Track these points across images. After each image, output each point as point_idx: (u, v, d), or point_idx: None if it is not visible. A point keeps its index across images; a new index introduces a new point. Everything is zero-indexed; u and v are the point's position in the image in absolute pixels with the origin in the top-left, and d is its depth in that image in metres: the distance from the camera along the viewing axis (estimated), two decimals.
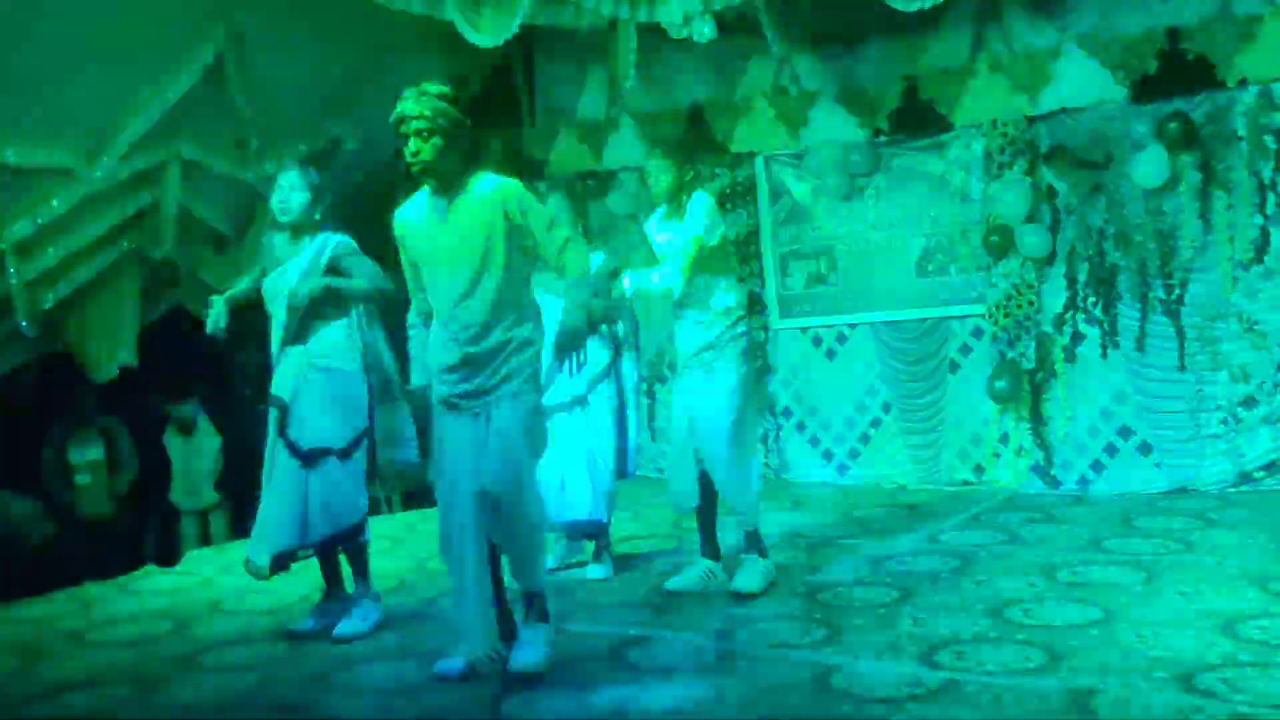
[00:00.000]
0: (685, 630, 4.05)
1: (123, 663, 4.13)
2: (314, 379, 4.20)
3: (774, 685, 3.41)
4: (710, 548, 4.68)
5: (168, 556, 6.86)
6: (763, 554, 4.62)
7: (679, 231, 4.48)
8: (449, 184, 3.57)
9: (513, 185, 3.59)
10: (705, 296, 4.48)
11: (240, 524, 7.43)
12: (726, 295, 4.52)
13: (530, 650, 3.62)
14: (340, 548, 4.33)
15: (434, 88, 3.55)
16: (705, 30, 4.96)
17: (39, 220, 5.43)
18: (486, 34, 5.13)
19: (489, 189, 3.56)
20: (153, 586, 5.41)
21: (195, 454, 7.44)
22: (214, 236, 6.58)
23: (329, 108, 6.61)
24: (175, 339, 7.21)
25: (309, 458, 4.15)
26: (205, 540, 7.21)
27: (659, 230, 4.60)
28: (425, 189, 3.64)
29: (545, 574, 3.77)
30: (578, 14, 5.78)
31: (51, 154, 5.24)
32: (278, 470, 4.21)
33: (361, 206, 5.74)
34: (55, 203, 5.43)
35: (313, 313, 4.22)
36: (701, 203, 4.48)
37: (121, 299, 6.28)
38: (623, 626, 4.09)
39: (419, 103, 3.49)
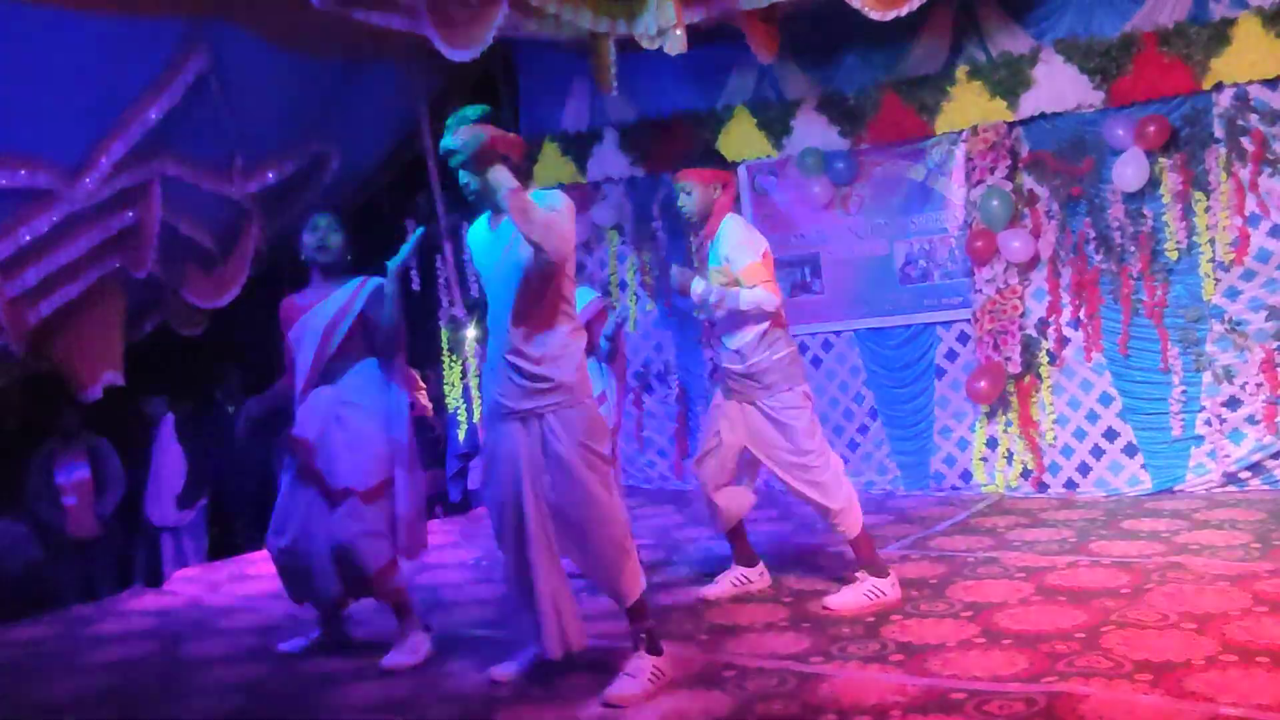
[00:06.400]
0: (672, 641, 4.05)
1: (110, 684, 4.11)
2: (345, 415, 4.08)
3: (760, 695, 3.41)
4: (744, 554, 4.69)
5: (155, 577, 6.85)
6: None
7: (721, 260, 4.36)
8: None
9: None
10: (739, 320, 4.43)
11: (228, 541, 7.41)
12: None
13: (624, 682, 3.48)
14: (373, 593, 4.15)
15: (473, 112, 3.52)
16: (675, 45, 5.02)
17: (22, 241, 5.42)
18: (461, 49, 5.13)
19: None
20: (140, 607, 5.39)
21: (162, 464, 7.37)
22: (199, 254, 6.58)
23: (313, 125, 6.62)
24: (160, 356, 7.21)
25: (335, 497, 4.03)
26: (181, 562, 7.13)
27: (710, 260, 4.44)
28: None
29: (637, 595, 3.56)
30: (558, 27, 5.80)
31: (34, 175, 5.23)
32: (310, 511, 4.10)
33: (347, 223, 5.73)
34: (39, 223, 5.43)
35: (340, 353, 4.13)
36: (739, 227, 4.41)
37: (107, 318, 6.27)
38: (611, 639, 4.09)
39: (459, 134, 3.46)
